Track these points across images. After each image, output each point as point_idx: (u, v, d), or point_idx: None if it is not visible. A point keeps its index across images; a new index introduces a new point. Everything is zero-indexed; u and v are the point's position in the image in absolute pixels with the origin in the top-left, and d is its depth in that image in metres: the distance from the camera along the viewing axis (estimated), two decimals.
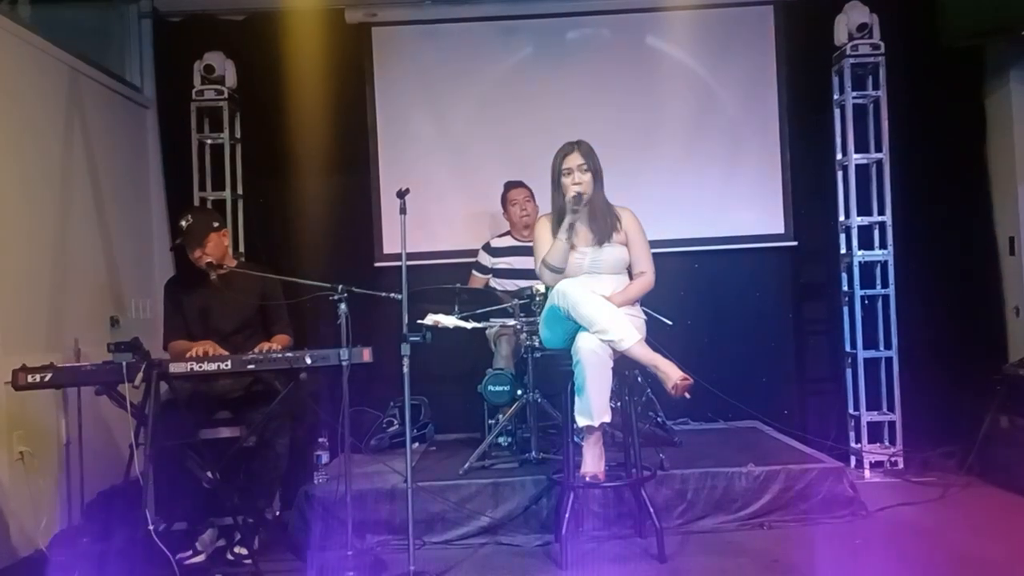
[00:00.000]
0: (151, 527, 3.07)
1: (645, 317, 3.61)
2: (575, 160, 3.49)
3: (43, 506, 3.77)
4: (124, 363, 3.11)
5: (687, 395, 3.19)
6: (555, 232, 3.49)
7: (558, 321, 3.38)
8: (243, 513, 3.52)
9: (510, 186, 4.77)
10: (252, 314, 3.78)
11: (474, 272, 4.83)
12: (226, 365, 3.28)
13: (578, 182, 3.46)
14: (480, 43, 5.30)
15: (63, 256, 4.16)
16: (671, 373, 3.17)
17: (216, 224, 3.77)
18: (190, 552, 3.48)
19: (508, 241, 4.78)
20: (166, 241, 5.08)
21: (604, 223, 3.51)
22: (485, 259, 4.80)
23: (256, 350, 3.47)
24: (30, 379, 3.14)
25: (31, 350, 3.58)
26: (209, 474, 3.35)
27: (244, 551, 3.46)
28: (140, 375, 3.10)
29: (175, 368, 3.24)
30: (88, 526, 3.91)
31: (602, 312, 3.25)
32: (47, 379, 3.16)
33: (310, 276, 3.40)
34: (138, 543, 3.06)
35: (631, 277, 3.57)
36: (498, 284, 4.70)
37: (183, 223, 3.69)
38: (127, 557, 3.11)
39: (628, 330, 3.23)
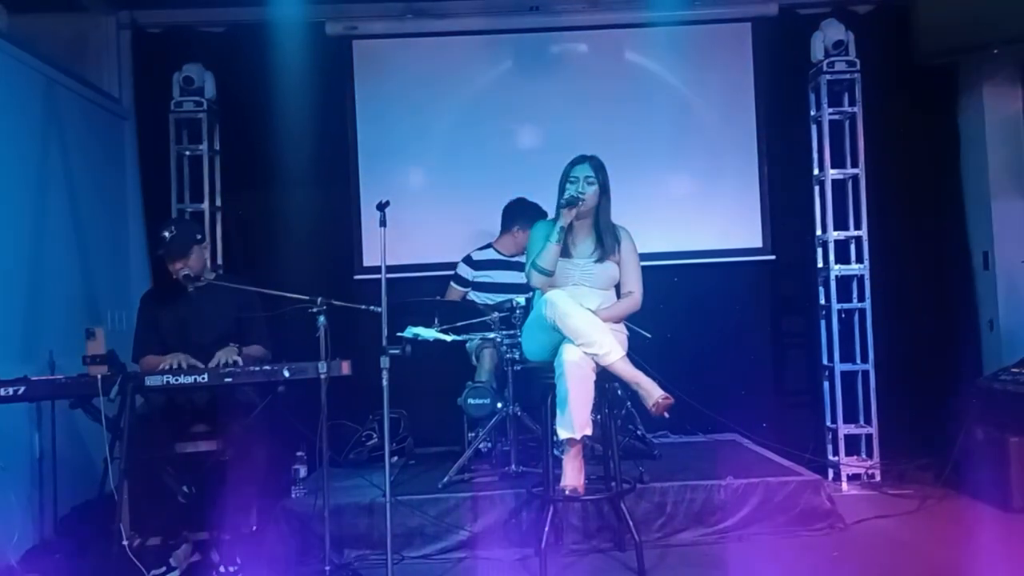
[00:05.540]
0: (125, 542, 3.04)
1: (627, 333, 3.63)
2: (583, 171, 3.54)
3: (15, 521, 3.69)
4: (99, 376, 3.07)
5: (667, 415, 3.22)
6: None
7: (543, 331, 3.39)
8: (219, 528, 3.48)
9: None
10: (230, 327, 3.74)
11: (452, 284, 4.79)
12: (203, 378, 3.24)
13: (581, 190, 3.50)
14: (461, 57, 5.30)
15: (38, 267, 4.11)
16: (652, 392, 3.21)
17: (199, 236, 3.75)
18: (164, 568, 3.42)
19: (490, 254, 4.75)
20: (143, 253, 5.03)
21: (608, 241, 3.55)
22: (466, 272, 4.77)
23: (217, 360, 3.42)
24: (3, 392, 3.08)
25: (4, 362, 3.52)
26: (185, 488, 3.31)
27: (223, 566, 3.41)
28: (115, 388, 3.07)
29: (151, 381, 3.20)
30: (61, 541, 3.86)
31: (589, 325, 3.28)
32: (20, 392, 3.10)
33: (289, 288, 3.38)
34: (112, 559, 3.02)
35: (618, 295, 3.60)
36: (478, 297, 4.69)
37: (165, 234, 3.63)
38: (101, 573, 3.07)
39: (613, 345, 3.27)
